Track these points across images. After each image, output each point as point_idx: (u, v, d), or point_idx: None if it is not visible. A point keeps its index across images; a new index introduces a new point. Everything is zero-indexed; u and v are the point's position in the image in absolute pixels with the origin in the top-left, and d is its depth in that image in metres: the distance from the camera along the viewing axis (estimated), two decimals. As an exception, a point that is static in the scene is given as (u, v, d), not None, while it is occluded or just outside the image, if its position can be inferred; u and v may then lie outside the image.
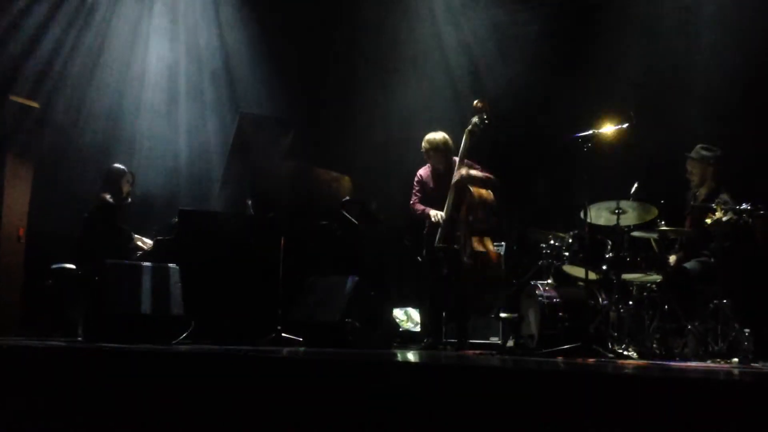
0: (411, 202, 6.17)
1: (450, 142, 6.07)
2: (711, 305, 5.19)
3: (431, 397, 3.61)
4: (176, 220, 6.22)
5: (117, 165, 6.59)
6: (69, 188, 7.43)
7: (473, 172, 5.91)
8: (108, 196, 6.33)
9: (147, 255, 6.12)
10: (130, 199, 6.53)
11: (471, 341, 6.23)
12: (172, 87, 8.24)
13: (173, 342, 5.25)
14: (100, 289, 5.30)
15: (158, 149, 8.07)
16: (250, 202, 6.51)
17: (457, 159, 5.98)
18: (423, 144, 6.10)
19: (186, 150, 8.16)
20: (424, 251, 6.07)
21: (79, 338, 5.51)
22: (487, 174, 5.97)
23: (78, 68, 7.89)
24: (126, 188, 6.49)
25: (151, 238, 6.35)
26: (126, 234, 6.31)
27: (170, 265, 5.52)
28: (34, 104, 7.61)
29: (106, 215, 6.28)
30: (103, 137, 7.92)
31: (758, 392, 3.17)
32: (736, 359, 4.98)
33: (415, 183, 6.21)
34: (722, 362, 4.94)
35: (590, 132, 5.51)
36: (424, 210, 6.05)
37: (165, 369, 4.08)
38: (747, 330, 5.14)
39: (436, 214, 5.94)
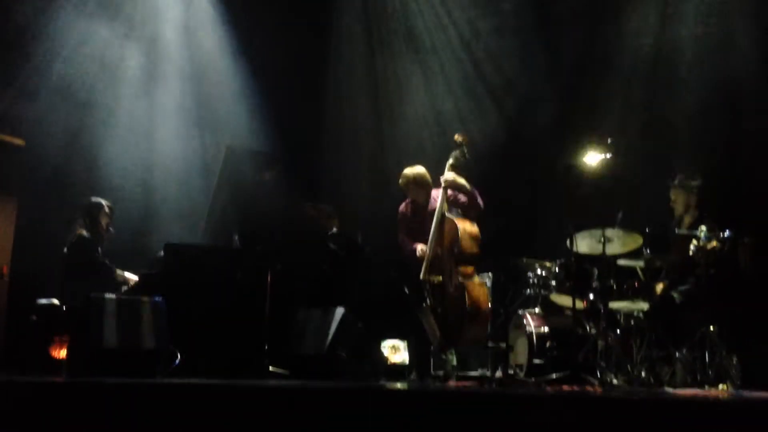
0: (399, 240, 6.16)
1: (428, 175, 6.09)
2: (698, 332, 5.22)
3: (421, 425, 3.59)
4: (162, 254, 6.19)
5: (94, 198, 6.54)
6: (53, 225, 7.37)
7: (458, 179, 5.90)
8: (84, 232, 6.29)
9: (133, 289, 6.07)
10: (112, 229, 6.49)
11: (459, 373, 6.20)
12: (157, 121, 8.25)
13: (159, 376, 5.19)
14: (84, 323, 5.24)
15: (144, 183, 8.06)
16: (236, 237, 6.50)
17: (437, 190, 6.02)
18: (401, 179, 6.11)
19: (171, 184, 8.14)
20: (411, 283, 6.05)
21: (64, 374, 5.43)
22: (472, 189, 5.95)
23: (63, 104, 7.88)
24: (104, 221, 6.44)
25: (137, 274, 6.30)
26: (107, 269, 6.24)
27: (156, 298, 5.48)
28: (19, 141, 7.59)
29: (84, 250, 6.22)
30: (88, 173, 7.88)
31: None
32: (723, 386, 5.00)
33: (398, 221, 6.22)
34: (710, 389, 4.95)
35: (573, 162, 5.57)
36: (413, 244, 6.05)
37: (152, 402, 4.04)
38: (734, 356, 5.17)
39: (422, 249, 5.93)
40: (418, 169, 6.09)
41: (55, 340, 5.71)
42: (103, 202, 6.54)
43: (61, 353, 5.68)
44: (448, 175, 5.85)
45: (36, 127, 7.69)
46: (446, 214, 5.85)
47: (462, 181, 5.88)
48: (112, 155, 8.03)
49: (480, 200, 5.89)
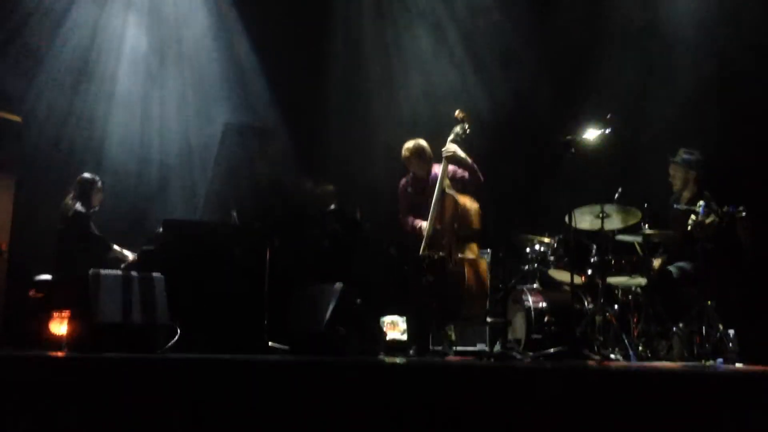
0: (400, 216, 6.16)
1: (428, 148, 6.09)
2: (695, 307, 5.24)
3: (420, 399, 3.61)
4: (161, 230, 6.19)
5: (87, 174, 6.62)
6: (51, 201, 7.37)
7: (459, 151, 5.89)
8: (79, 205, 6.34)
9: (132, 266, 6.08)
10: (96, 208, 6.57)
11: (457, 348, 6.22)
12: (155, 96, 8.20)
13: (159, 351, 5.21)
14: (84, 299, 5.24)
15: (142, 160, 8.03)
16: (234, 213, 6.49)
17: (438, 165, 6.01)
18: (403, 152, 6.11)
19: (170, 160, 8.12)
20: (410, 259, 6.06)
21: (64, 349, 5.45)
22: (472, 163, 5.94)
23: (60, 80, 7.84)
24: (97, 197, 6.54)
25: (136, 251, 6.31)
26: (103, 243, 6.29)
27: (155, 274, 5.49)
28: (16, 118, 7.56)
29: (79, 225, 6.27)
30: (86, 150, 7.87)
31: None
32: (720, 360, 5.03)
33: (399, 195, 6.21)
34: (707, 363, 4.98)
35: (573, 137, 5.55)
36: (413, 224, 6.04)
37: (152, 377, 4.05)
38: (731, 331, 5.20)
39: (420, 226, 5.93)
40: (420, 142, 6.09)
41: (54, 316, 5.74)
42: (96, 178, 6.58)
43: (61, 329, 5.70)
44: (450, 146, 5.84)
45: (33, 105, 7.65)
46: (446, 189, 5.85)
47: (463, 154, 5.87)
48: (110, 132, 8.01)
49: (480, 174, 5.88)
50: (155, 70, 8.22)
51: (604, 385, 3.65)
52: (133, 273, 5.53)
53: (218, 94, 8.26)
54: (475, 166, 5.89)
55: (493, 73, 7.69)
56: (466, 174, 5.88)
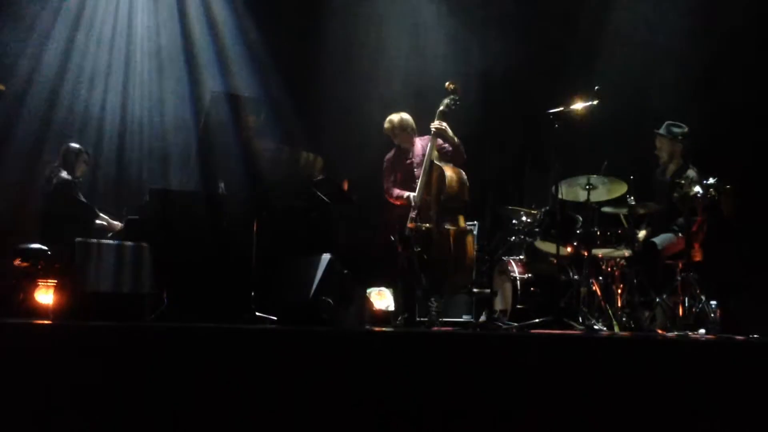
0: (386, 188, 6.21)
1: (411, 121, 6.17)
2: (678, 278, 5.30)
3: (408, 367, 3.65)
4: (147, 199, 6.16)
5: (73, 144, 6.62)
6: (34, 170, 7.33)
7: (448, 130, 5.94)
8: (65, 174, 6.37)
9: (117, 235, 6.07)
10: (81, 178, 6.59)
11: (444, 320, 6.27)
12: (140, 64, 8.10)
13: (145, 320, 5.21)
14: (70, 268, 5.23)
15: (127, 127, 7.96)
16: (221, 183, 6.46)
17: (421, 138, 6.05)
18: (386, 125, 6.18)
19: (156, 129, 8.05)
20: (397, 230, 6.09)
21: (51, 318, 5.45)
22: (459, 143, 5.99)
23: (42, 46, 7.74)
24: (81, 167, 6.56)
25: (121, 221, 6.30)
26: (90, 210, 6.29)
27: (141, 243, 5.47)
28: (1, 87, 7.46)
29: (66, 192, 6.28)
30: (67, 116, 7.79)
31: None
32: (703, 330, 5.10)
33: (384, 169, 6.26)
34: (689, 334, 5.05)
35: (560, 109, 5.56)
36: (399, 194, 6.10)
37: (139, 345, 4.06)
38: (714, 302, 5.28)
39: (408, 196, 5.99)
40: (403, 115, 6.18)
41: (40, 285, 5.73)
42: (82, 149, 6.58)
43: (47, 298, 5.69)
44: (440, 123, 5.87)
45: (15, 73, 7.56)
46: (434, 161, 5.91)
47: (450, 132, 5.94)
48: (94, 101, 7.93)
49: (463, 153, 5.98)
50: (140, 38, 8.12)
51: (588, 353, 3.70)
52: (119, 242, 5.52)
53: (204, 62, 8.18)
54: (461, 146, 5.96)
55: (480, 43, 7.66)
56: (452, 150, 5.98)
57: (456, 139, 5.96)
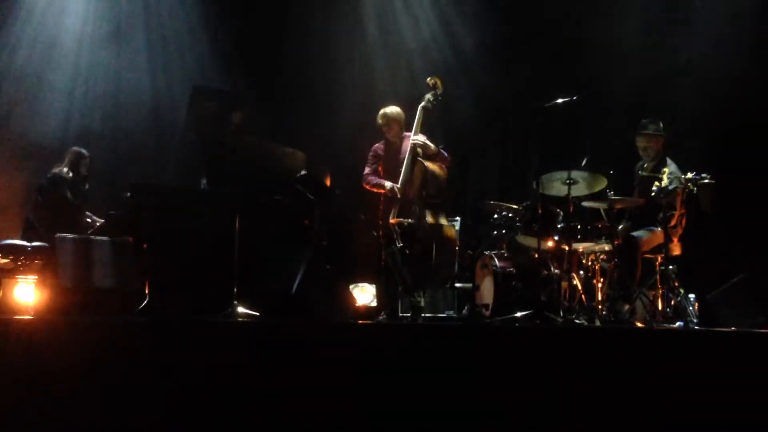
0: (364, 173, 6.22)
1: (401, 115, 6.18)
2: (658, 272, 5.36)
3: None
4: (129, 194, 6.13)
5: (78, 148, 6.71)
6: (16, 169, 7.31)
7: (428, 142, 5.99)
8: (65, 170, 6.43)
9: (100, 230, 6.05)
10: (87, 186, 6.65)
11: (426, 315, 6.30)
12: (120, 57, 8.05)
13: (128, 315, 5.20)
14: (52, 263, 5.21)
15: (108, 122, 7.92)
16: (204, 178, 6.44)
17: (410, 134, 6.06)
18: (378, 118, 6.17)
19: (139, 125, 8.00)
20: (380, 226, 6.12)
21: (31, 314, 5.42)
22: (439, 149, 6.05)
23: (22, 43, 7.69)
24: (83, 171, 6.63)
25: (103, 216, 6.28)
26: (74, 207, 6.27)
27: (123, 238, 5.46)
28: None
29: (56, 188, 6.28)
30: (50, 114, 7.74)
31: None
32: (680, 323, 5.17)
33: (369, 156, 6.26)
34: (668, 326, 5.12)
35: (541, 104, 5.60)
36: (378, 181, 6.10)
37: (121, 339, 4.05)
38: (692, 295, 5.35)
39: (391, 186, 5.99)
40: (395, 108, 6.19)
41: (20, 281, 5.70)
42: (86, 152, 6.69)
43: (27, 294, 5.66)
44: (418, 138, 5.95)
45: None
46: (417, 157, 5.92)
47: (431, 146, 5.97)
48: (77, 97, 7.87)
49: (447, 156, 6.02)
50: (122, 35, 8.06)
51: (569, 345, 3.75)
52: (101, 238, 5.50)
53: (186, 58, 8.14)
54: (443, 152, 6.01)
55: (464, 41, 7.69)
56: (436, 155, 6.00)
57: (434, 147, 5.99)
